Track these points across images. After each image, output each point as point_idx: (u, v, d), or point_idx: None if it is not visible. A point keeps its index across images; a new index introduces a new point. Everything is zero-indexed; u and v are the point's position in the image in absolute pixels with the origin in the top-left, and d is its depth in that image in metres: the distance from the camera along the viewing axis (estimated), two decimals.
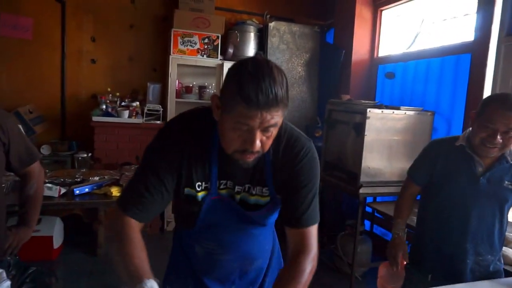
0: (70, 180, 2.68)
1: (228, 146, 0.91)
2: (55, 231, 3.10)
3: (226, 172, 1.01)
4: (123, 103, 3.75)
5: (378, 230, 3.58)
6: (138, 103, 3.79)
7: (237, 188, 1.03)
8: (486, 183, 1.50)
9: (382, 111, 2.66)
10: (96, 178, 2.72)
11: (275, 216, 1.12)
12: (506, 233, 1.88)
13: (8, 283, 0.76)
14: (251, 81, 0.81)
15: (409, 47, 3.44)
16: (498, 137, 1.38)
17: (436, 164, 1.56)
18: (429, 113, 2.83)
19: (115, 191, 2.50)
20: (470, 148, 1.50)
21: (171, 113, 3.82)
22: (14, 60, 3.66)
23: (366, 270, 3.13)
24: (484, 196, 1.50)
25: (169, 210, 3.90)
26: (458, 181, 1.51)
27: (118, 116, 3.62)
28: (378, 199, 3.18)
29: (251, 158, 0.92)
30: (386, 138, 2.72)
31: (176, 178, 0.99)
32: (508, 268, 1.67)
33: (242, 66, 0.85)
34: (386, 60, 3.68)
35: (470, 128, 1.52)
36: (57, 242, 3.12)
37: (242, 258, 1.16)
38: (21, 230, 1.49)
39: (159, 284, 0.87)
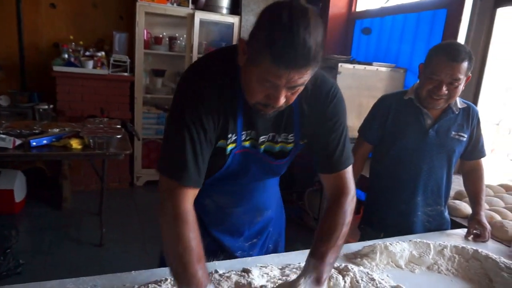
0: (27, 131, 2.55)
1: (250, 96, 0.85)
2: (16, 184, 3.00)
3: (249, 122, 0.94)
4: (87, 53, 3.53)
5: (359, 193, 3.65)
6: (103, 53, 3.58)
7: (261, 138, 0.98)
8: (435, 135, 1.50)
9: (353, 67, 2.60)
10: (56, 130, 2.59)
11: (289, 162, 1.08)
12: (459, 188, 1.94)
13: None
14: (284, 36, 0.71)
15: (387, 1, 3.32)
16: (444, 88, 1.38)
17: (387, 120, 1.54)
18: (401, 70, 2.79)
19: (75, 143, 2.40)
20: (419, 101, 1.49)
21: (139, 65, 3.64)
22: None
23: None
24: (434, 148, 1.51)
25: (139, 165, 3.84)
26: (409, 136, 1.51)
27: (82, 66, 3.42)
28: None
29: (272, 111, 0.87)
30: (356, 95, 2.69)
31: (214, 131, 0.90)
32: (459, 220, 1.72)
33: (277, 14, 0.73)
34: (363, 15, 3.56)
35: (418, 81, 1.50)
36: (18, 196, 3.04)
37: (253, 210, 1.16)
38: None
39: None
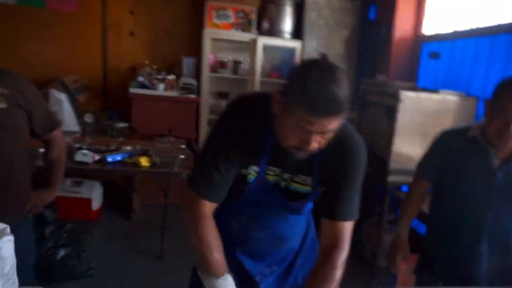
0: (105, 148, 2.85)
1: (285, 141, 0.96)
2: (94, 194, 3.34)
3: (276, 159, 1.05)
4: (159, 76, 3.85)
5: (419, 226, 3.44)
6: (174, 76, 3.87)
7: (284, 175, 1.08)
8: (503, 178, 1.37)
9: (417, 94, 2.50)
10: (129, 148, 2.86)
11: (310, 205, 1.20)
12: None
13: (11, 238, 0.83)
14: (316, 88, 0.83)
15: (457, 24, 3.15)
16: None
17: (447, 158, 1.45)
18: (472, 99, 2.61)
19: (144, 161, 2.62)
20: (485, 140, 1.37)
21: (205, 88, 3.87)
22: (60, 32, 3.87)
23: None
24: (501, 192, 1.38)
25: None
26: (472, 177, 1.40)
27: (154, 88, 3.73)
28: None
29: (304, 154, 0.97)
30: (421, 124, 2.57)
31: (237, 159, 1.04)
32: None
33: (309, 69, 0.87)
34: (431, 38, 3.41)
35: (484, 118, 1.39)
36: (95, 204, 3.37)
37: (274, 238, 1.21)
38: (44, 192, 1.63)
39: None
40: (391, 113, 2.56)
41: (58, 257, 2.43)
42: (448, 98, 2.56)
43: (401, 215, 1.63)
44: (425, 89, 2.66)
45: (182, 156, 2.70)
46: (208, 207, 1.01)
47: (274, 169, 1.07)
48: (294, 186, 1.09)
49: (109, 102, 4.10)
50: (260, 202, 1.13)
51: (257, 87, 3.88)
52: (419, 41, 3.53)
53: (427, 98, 2.52)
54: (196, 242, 0.97)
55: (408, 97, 2.50)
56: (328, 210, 1.05)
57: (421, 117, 2.55)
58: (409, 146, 2.56)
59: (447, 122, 2.59)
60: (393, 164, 2.55)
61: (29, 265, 1.59)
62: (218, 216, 1.08)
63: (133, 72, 4.02)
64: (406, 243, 1.58)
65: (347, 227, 1.04)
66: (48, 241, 2.40)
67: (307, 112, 0.84)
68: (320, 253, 1.05)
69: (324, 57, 0.90)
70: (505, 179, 1.38)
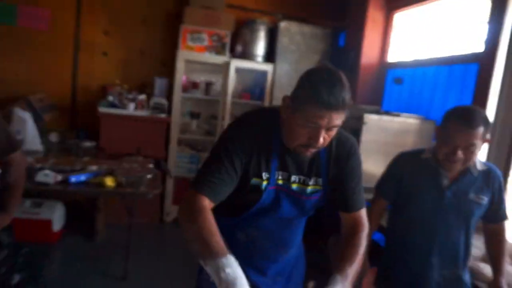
0: (69, 168, 2.77)
1: (293, 140, 1.07)
2: (55, 215, 3.21)
3: (284, 164, 1.16)
4: (130, 96, 3.83)
5: (378, 236, 3.51)
6: (145, 96, 3.86)
7: (292, 178, 1.18)
8: (451, 196, 1.47)
9: (380, 117, 2.61)
10: (94, 168, 2.80)
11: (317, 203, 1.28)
12: (480, 252, 1.83)
13: None
14: (326, 85, 0.97)
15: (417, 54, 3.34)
16: (459, 152, 1.36)
17: (403, 178, 1.54)
18: (431, 122, 2.75)
19: (109, 181, 2.57)
20: (436, 161, 1.48)
21: (176, 108, 3.88)
22: (30, 50, 3.80)
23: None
24: (450, 209, 1.47)
25: (169, 202, 3.97)
26: (424, 196, 1.49)
27: (124, 108, 3.70)
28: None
29: (311, 152, 1.10)
30: (384, 145, 2.67)
31: (244, 168, 1.12)
32: (481, 285, 1.62)
33: (317, 72, 1.02)
34: (395, 65, 3.60)
35: (434, 141, 1.49)
36: (57, 226, 3.24)
37: (280, 246, 1.31)
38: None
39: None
40: (355, 134, 2.65)
41: (13, 282, 2.29)
42: (409, 121, 2.69)
43: None
44: (388, 112, 2.78)
45: (149, 176, 2.66)
46: (208, 203, 1.04)
47: (282, 173, 1.17)
48: (310, 188, 1.21)
49: (77, 121, 4.01)
50: (272, 208, 1.21)
51: (228, 107, 3.92)
52: (384, 67, 3.71)
53: (389, 120, 2.63)
54: (197, 230, 0.96)
55: (371, 119, 2.60)
56: (345, 205, 1.20)
57: (384, 138, 2.65)
58: (372, 164, 2.64)
59: (408, 143, 2.70)
60: None
61: None
62: (222, 231, 1.10)
63: (104, 91, 3.98)
64: (366, 265, 1.61)
65: (363, 213, 1.21)
66: (2, 265, 2.26)
67: (318, 105, 0.96)
68: (346, 236, 1.18)
69: (327, 64, 1.04)
70: (453, 197, 1.47)
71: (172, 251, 3.36)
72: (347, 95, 0.98)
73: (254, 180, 1.13)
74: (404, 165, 1.57)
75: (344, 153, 1.18)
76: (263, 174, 1.14)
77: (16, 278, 2.28)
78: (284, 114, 1.08)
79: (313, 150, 1.08)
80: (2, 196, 1.60)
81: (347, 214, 1.21)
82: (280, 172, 1.16)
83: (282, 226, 1.28)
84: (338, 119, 1.00)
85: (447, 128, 1.40)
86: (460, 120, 1.36)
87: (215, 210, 1.28)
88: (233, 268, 0.88)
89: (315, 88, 0.97)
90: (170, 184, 4.00)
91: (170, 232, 3.87)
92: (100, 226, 3.39)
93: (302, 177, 1.19)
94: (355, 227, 1.18)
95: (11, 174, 1.58)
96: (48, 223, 3.15)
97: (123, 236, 3.04)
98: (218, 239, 0.95)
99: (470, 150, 1.37)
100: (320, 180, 1.20)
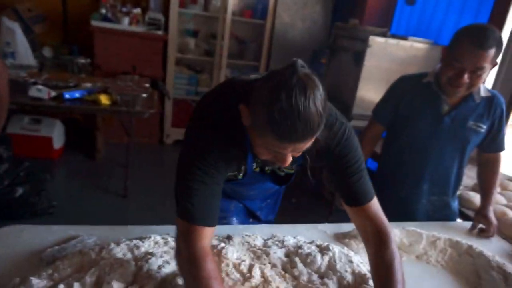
0: (63, 84, 2.71)
1: (259, 155, 0.86)
2: (55, 132, 3.23)
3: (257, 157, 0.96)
4: (124, 9, 3.59)
5: (372, 164, 3.57)
6: (139, 10, 3.62)
7: (267, 167, 1.13)
8: (450, 123, 1.43)
9: (386, 40, 2.46)
10: (88, 85, 2.73)
11: None
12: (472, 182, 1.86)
13: None
14: (284, 119, 0.71)
15: None
16: (465, 76, 1.28)
17: (401, 102, 1.48)
18: (440, 47, 2.60)
19: (104, 99, 2.53)
20: (438, 86, 1.40)
21: (173, 24, 3.66)
22: None
23: None
24: (447, 136, 1.44)
25: (168, 123, 3.98)
26: (421, 121, 1.45)
27: (118, 22, 3.50)
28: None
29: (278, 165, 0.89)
30: (387, 71, 2.56)
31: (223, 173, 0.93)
32: (470, 213, 1.66)
33: (276, 92, 0.72)
34: None
35: (439, 64, 1.40)
36: (57, 143, 3.28)
37: (264, 191, 1.34)
38: None
39: None
40: (358, 58, 2.53)
41: (17, 194, 2.39)
42: (416, 46, 2.54)
43: None
44: (395, 36, 2.61)
45: (144, 95, 2.61)
46: (208, 236, 0.87)
47: (259, 161, 1.02)
48: (284, 172, 1.18)
49: (69, 35, 3.81)
50: (251, 183, 1.22)
51: (228, 26, 3.70)
52: None
53: (395, 44, 2.49)
54: None
55: (376, 42, 2.45)
56: (351, 199, 0.98)
57: (388, 63, 2.53)
58: (373, 92, 2.57)
59: (413, 70, 2.58)
60: (356, 110, 2.57)
61: None
62: None
63: (96, 3, 3.71)
64: None
65: (375, 205, 0.99)
66: (4, 178, 2.34)
67: (279, 139, 0.74)
68: (367, 244, 0.98)
69: (293, 64, 0.75)
70: (451, 124, 1.43)
71: (170, 171, 3.42)
72: (316, 122, 0.73)
73: (230, 175, 1.04)
74: (403, 89, 1.50)
75: (330, 141, 0.93)
76: (241, 168, 1.07)
77: (19, 190, 2.38)
78: (245, 122, 0.82)
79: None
80: None
81: (355, 209, 0.98)
82: (256, 163, 1.08)
83: (262, 186, 1.29)
84: (306, 144, 0.78)
85: (455, 48, 1.29)
86: (471, 40, 1.24)
87: None
88: None
89: (271, 118, 0.72)
90: (169, 106, 3.96)
91: (169, 153, 3.94)
92: (100, 145, 3.43)
93: (276, 165, 0.98)
94: (376, 231, 0.95)
95: None
96: (48, 140, 3.19)
97: (122, 155, 3.10)
98: None
99: (477, 74, 1.28)
100: (295, 166, 1.11)
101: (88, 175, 3.15)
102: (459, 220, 1.67)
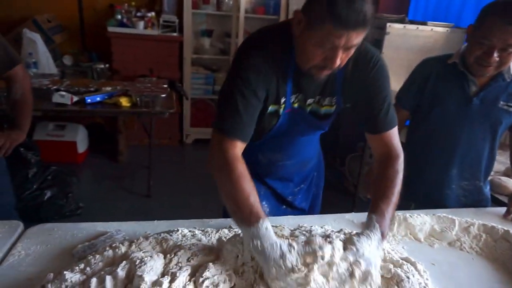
0: (84, 89, 2.77)
1: (307, 61, 0.94)
2: (79, 137, 3.32)
3: (298, 86, 1.06)
4: (138, 14, 3.64)
5: None
6: (153, 13, 3.67)
7: (308, 101, 1.10)
8: (479, 104, 1.37)
9: (404, 26, 2.40)
10: (108, 89, 2.78)
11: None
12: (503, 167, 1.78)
13: None
14: (345, 2, 0.81)
15: None
16: (495, 54, 1.22)
17: (426, 86, 1.42)
18: (461, 30, 2.52)
19: (124, 101, 2.57)
20: (464, 66, 1.35)
21: (187, 25, 3.69)
22: None
23: None
24: (476, 118, 1.38)
25: (187, 123, 4.01)
26: (449, 103, 1.39)
27: (133, 27, 3.55)
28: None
29: (326, 74, 0.97)
30: (407, 58, 2.49)
31: (265, 95, 1.01)
32: (501, 198, 1.60)
33: None
34: None
35: (465, 44, 1.34)
36: (81, 147, 3.36)
37: (300, 162, 1.32)
38: (13, 132, 1.58)
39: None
40: (377, 47, 2.47)
41: (45, 197, 2.46)
42: (436, 30, 2.47)
43: None
44: (413, 21, 2.54)
45: (163, 95, 2.64)
46: (239, 148, 0.96)
47: (298, 95, 1.07)
48: (324, 109, 1.12)
49: (87, 43, 3.91)
50: (289, 131, 1.16)
51: (242, 23, 3.70)
52: None
53: (414, 29, 2.42)
54: (229, 187, 0.89)
55: (395, 29, 2.40)
56: (372, 125, 1.07)
57: (408, 50, 2.47)
58: (393, 81, 2.46)
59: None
60: None
61: (7, 205, 1.60)
62: (243, 154, 1.09)
63: (111, 10, 3.78)
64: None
65: (394, 134, 1.08)
66: (33, 183, 2.41)
67: (336, 24, 0.82)
68: (377, 164, 1.08)
69: None
70: (481, 105, 1.37)
71: (191, 170, 3.49)
72: (369, 9, 0.82)
73: (272, 107, 1.06)
74: (428, 71, 1.44)
75: (363, 67, 1.03)
76: (282, 99, 1.06)
77: (47, 193, 2.45)
78: (296, 31, 0.92)
79: (328, 72, 0.96)
80: (13, 114, 1.61)
81: (375, 136, 1.08)
82: (295, 95, 1.08)
83: (300, 145, 1.26)
84: (357, 38, 0.86)
85: (483, 25, 1.22)
86: (500, 15, 1.17)
87: None
88: (263, 239, 0.80)
89: (332, 4, 0.81)
90: (187, 106, 3.99)
91: (190, 153, 3.98)
92: (122, 147, 3.50)
93: (317, 97, 1.10)
94: (388, 154, 1.05)
95: (17, 91, 1.56)
96: (73, 144, 3.28)
97: (144, 157, 3.16)
98: (251, 202, 0.86)
99: (507, 52, 1.21)
100: (334, 99, 1.10)
101: (112, 177, 3.22)
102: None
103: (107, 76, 3.57)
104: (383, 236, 0.88)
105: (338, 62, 0.90)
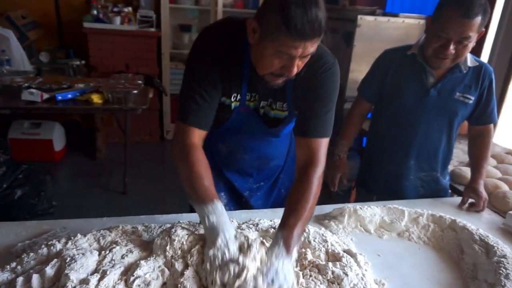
0: (56, 86, 2.73)
1: (264, 69, 0.95)
2: (55, 135, 3.27)
3: (253, 85, 1.07)
4: (115, 9, 3.59)
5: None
6: (130, 8, 3.62)
7: (262, 103, 1.11)
8: (436, 95, 1.38)
9: (375, 19, 2.40)
10: (81, 85, 2.75)
11: (290, 127, 1.20)
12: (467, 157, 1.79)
13: None
14: (298, 11, 0.81)
15: None
16: (451, 47, 1.23)
17: (386, 77, 1.43)
18: None
19: (96, 98, 2.54)
20: (422, 57, 1.35)
21: (165, 20, 3.65)
22: None
23: (350, 185, 3.15)
24: (433, 109, 1.39)
25: (168, 119, 3.99)
26: (407, 94, 1.40)
27: (110, 22, 3.51)
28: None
29: (282, 81, 0.98)
30: (379, 51, 2.48)
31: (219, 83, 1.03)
32: (460, 187, 1.61)
33: None
34: None
35: (424, 35, 1.34)
36: (58, 145, 3.33)
37: (259, 159, 1.30)
38: None
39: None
40: (348, 39, 2.47)
41: (16, 196, 2.43)
42: (408, 22, 2.46)
43: (340, 136, 1.64)
44: (386, 14, 2.54)
45: (135, 92, 2.61)
46: (197, 136, 1.00)
47: (253, 94, 1.08)
48: (273, 113, 1.11)
49: (65, 39, 3.85)
50: (243, 129, 1.17)
51: (220, 18, 3.67)
52: None
53: (385, 21, 2.42)
54: (186, 172, 0.94)
55: (366, 21, 2.39)
56: (301, 128, 1.05)
57: (380, 42, 2.45)
58: (364, 73, 2.50)
59: None
60: (349, 92, 2.52)
61: None
62: (205, 140, 1.09)
63: (88, 6, 3.73)
64: (345, 162, 1.60)
65: (321, 144, 1.03)
66: (2, 182, 2.38)
67: (292, 36, 0.83)
68: (296, 171, 1.04)
69: None
70: (438, 96, 1.38)
71: (170, 166, 3.46)
72: (323, 16, 0.83)
73: (224, 99, 1.08)
74: (388, 62, 1.44)
75: (313, 72, 1.01)
76: (233, 94, 1.07)
77: (18, 192, 2.42)
78: (251, 39, 0.92)
79: (284, 79, 0.97)
80: None
81: (302, 140, 1.03)
82: (250, 94, 1.09)
83: (259, 143, 1.25)
84: (313, 46, 0.87)
85: (439, 17, 1.23)
86: (456, 8, 1.18)
87: None
88: (217, 215, 0.87)
89: (287, 16, 0.81)
90: (167, 102, 3.96)
91: (170, 149, 3.94)
92: (100, 144, 3.47)
93: (269, 100, 1.10)
94: (308, 162, 1.00)
95: None
96: (49, 142, 3.24)
97: (123, 154, 3.14)
98: (205, 184, 0.92)
99: (463, 44, 1.22)
100: (285, 105, 1.09)
101: (88, 175, 3.19)
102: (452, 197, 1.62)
103: (84, 73, 3.53)
104: (288, 251, 0.84)
105: (295, 70, 0.91)
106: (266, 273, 0.79)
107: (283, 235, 0.87)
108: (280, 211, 1.26)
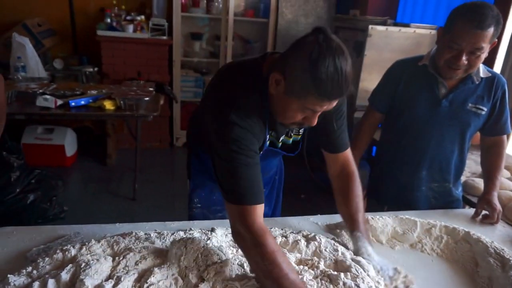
0: (70, 93, 2.78)
1: (286, 120, 0.95)
2: (67, 140, 3.32)
3: (271, 125, 1.05)
4: (128, 17, 3.66)
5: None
6: (143, 17, 3.68)
7: (281, 138, 1.14)
8: (448, 106, 1.37)
9: (386, 29, 2.40)
10: (94, 92, 2.80)
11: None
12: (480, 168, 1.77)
13: None
14: (330, 79, 0.81)
15: None
16: (464, 58, 1.22)
17: (398, 88, 1.42)
18: None
19: (108, 105, 2.58)
20: (434, 68, 1.35)
21: (176, 28, 3.70)
22: None
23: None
24: (445, 120, 1.38)
25: (177, 126, 4.02)
26: (419, 105, 1.39)
27: (123, 30, 3.57)
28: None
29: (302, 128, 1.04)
30: (390, 60, 2.48)
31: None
32: (474, 199, 1.59)
33: (318, 58, 0.80)
34: None
35: (436, 46, 1.34)
36: (70, 151, 3.37)
37: (264, 171, 1.26)
38: None
39: None
40: (359, 48, 2.47)
41: (28, 201, 2.46)
42: (419, 32, 2.46)
43: (352, 147, 1.63)
44: (397, 24, 2.54)
45: (146, 99, 2.64)
46: (261, 214, 0.91)
47: (271, 133, 1.09)
48: (291, 139, 1.17)
49: (79, 46, 3.93)
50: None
51: (231, 26, 3.71)
52: None
53: (397, 31, 2.42)
54: (266, 265, 0.84)
55: (377, 31, 2.39)
56: (331, 146, 1.15)
57: (390, 52, 2.46)
58: (376, 82, 2.50)
59: None
60: (360, 101, 2.52)
61: None
62: (203, 160, 1.14)
63: (102, 14, 3.81)
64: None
65: (349, 153, 1.18)
66: (15, 186, 2.41)
67: (321, 98, 0.84)
68: (338, 182, 1.17)
69: (323, 31, 0.83)
70: (450, 107, 1.37)
71: (180, 173, 3.48)
72: (350, 76, 0.84)
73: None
74: (399, 73, 1.44)
75: None
76: (263, 145, 1.06)
77: (30, 197, 2.45)
78: (272, 90, 0.90)
79: (304, 127, 1.02)
80: None
81: (334, 155, 1.16)
82: (270, 134, 1.08)
83: (268, 161, 1.29)
84: (337, 102, 0.91)
85: (451, 28, 1.22)
86: (468, 19, 1.17)
87: (198, 142, 1.32)
88: None
89: (316, 78, 0.81)
90: (177, 109, 4.00)
91: (179, 156, 3.98)
92: (111, 150, 3.50)
93: (286, 131, 1.14)
94: (347, 173, 1.15)
95: None
96: (61, 148, 3.28)
97: (133, 160, 3.16)
98: (292, 280, 0.83)
99: (476, 55, 1.22)
100: (301, 130, 1.16)
101: (99, 181, 3.22)
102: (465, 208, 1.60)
103: (97, 80, 3.59)
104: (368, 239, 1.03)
105: (315, 122, 0.93)
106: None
107: (363, 235, 1.05)
108: (289, 219, 1.28)
